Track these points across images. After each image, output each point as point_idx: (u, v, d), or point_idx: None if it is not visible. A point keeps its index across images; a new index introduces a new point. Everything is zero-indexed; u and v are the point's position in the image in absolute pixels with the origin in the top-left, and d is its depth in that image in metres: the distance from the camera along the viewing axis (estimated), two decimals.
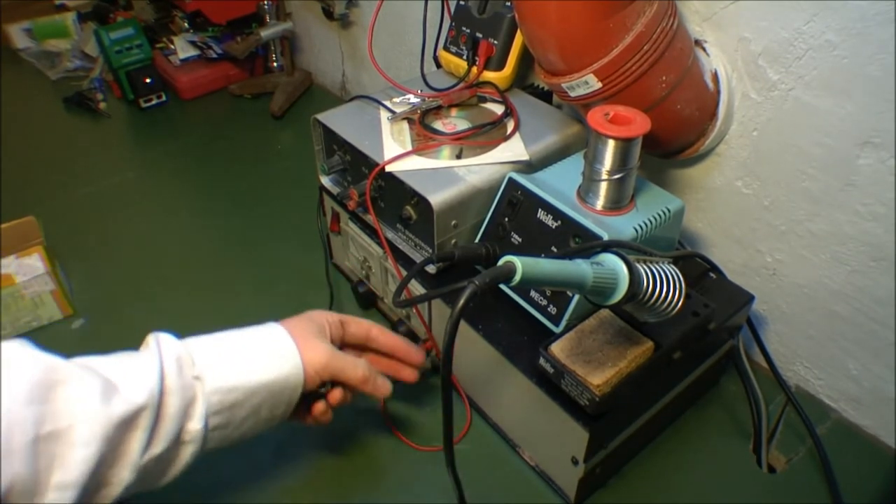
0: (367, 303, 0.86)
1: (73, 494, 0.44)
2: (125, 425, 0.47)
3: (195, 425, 0.51)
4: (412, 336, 0.79)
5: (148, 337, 0.54)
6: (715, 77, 0.70)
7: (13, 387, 0.43)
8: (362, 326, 0.66)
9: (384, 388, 0.64)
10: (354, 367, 0.61)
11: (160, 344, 0.52)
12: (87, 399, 0.45)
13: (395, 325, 0.79)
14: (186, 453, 0.52)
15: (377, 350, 0.67)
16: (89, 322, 0.87)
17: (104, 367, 0.49)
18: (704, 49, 0.71)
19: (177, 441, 0.50)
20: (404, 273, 0.73)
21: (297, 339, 0.58)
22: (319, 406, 0.62)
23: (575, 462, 0.61)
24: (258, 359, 0.55)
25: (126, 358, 0.51)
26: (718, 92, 0.70)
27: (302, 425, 0.64)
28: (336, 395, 0.62)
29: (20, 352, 0.46)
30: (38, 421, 0.43)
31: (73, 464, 0.44)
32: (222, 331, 0.57)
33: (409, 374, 0.68)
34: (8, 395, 0.42)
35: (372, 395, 0.64)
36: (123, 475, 0.47)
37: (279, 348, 0.57)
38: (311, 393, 0.60)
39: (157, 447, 0.49)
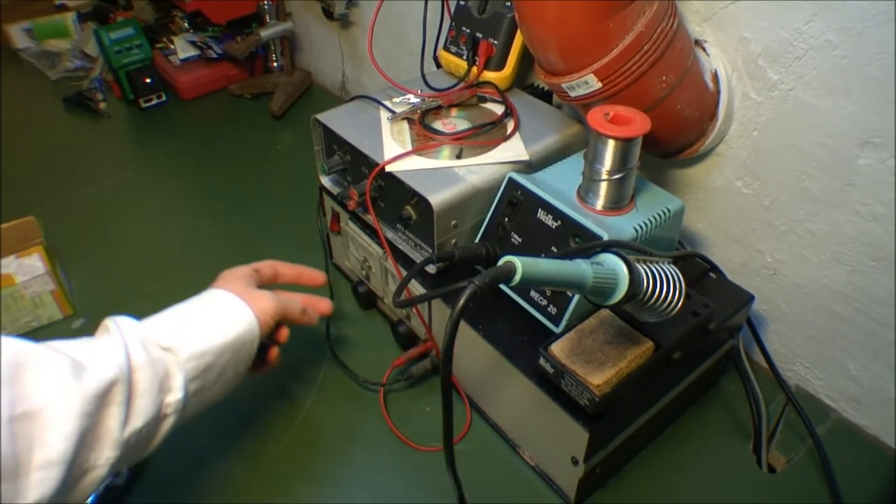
0: (367, 303, 0.86)
1: (59, 472, 0.44)
2: (99, 400, 0.47)
3: (175, 396, 0.53)
4: (412, 336, 0.79)
5: (105, 321, 0.55)
6: (715, 77, 0.70)
7: None
8: (269, 266, 0.70)
9: (325, 309, 0.71)
10: (295, 304, 0.66)
11: (119, 326, 0.53)
12: (57, 378, 0.46)
13: (395, 326, 0.79)
14: (167, 424, 0.53)
15: (285, 285, 0.71)
16: (89, 322, 0.87)
17: (69, 349, 0.49)
18: (704, 49, 0.71)
19: (157, 415, 0.52)
20: (404, 273, 0.73)
21: (241, 295, 0.61)
22: (274, 350, 0.67)
23: (575, 462, 0.61)
24: (217, 321, 0.58)
25: (88, 341, 0.52)
26: (718, 92, 0.70)
27: (261, 375, 0.68)
28: (283, 333, 0.67)
29: None
30: (10, 402, 0.43)
31: (53, 442, 0.44)
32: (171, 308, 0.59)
33: (326, 306, 0.72)
34: None
35: (310, 323, 0.69)
36: (108, 454, 0.48)
37: (231, 309, 0.60)
38: (262, 343, 0.64)
39: (137, 421, 0.50)
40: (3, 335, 0.46)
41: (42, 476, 0.44)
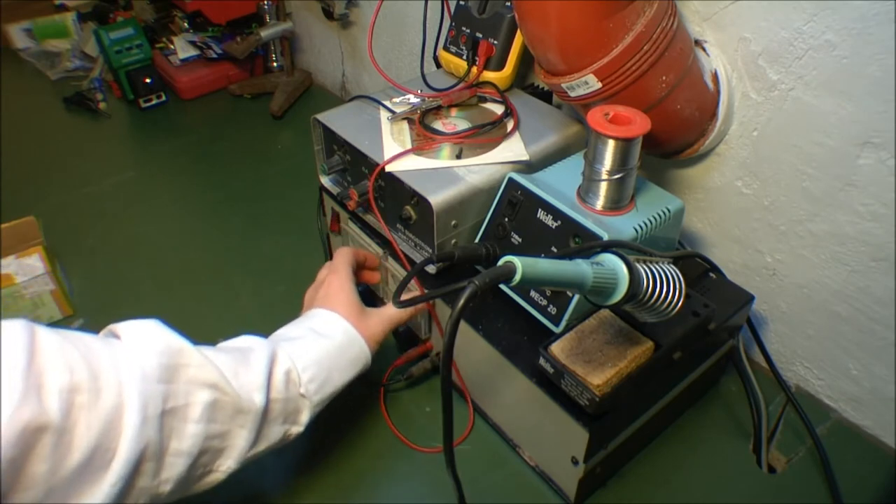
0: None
1: (185, 463, 0.51)
2: (230, 420, 0.54)
3: (299, 429, 0.60)
4: (412, 336, 0.79)
5: (257, 341, 0.60)
6: (715, 77, 0.70)
7: (147, 365, 0.49)
8: (360, 256, 0.75)
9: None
10: (401, 317, 0.70)
11: (274, 357, 0.58)
12: (202, 384, 0.52)
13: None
14: (287, 443, 0.60)
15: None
16: (89, 322, 0.87)
17: (220, 360, 0.54)
18: (704, 49, 0.71)
19: (281, 440, 0.59)
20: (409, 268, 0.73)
21: (357, 325, 0.66)
22: None
23: (575, 462, 0.61)
24: (343, 367, 0.63)
25: (243, 360, 0.56)
26: (718, 92, 0.70)
27: None
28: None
29: (154, 331, 0.52)
30: (165, 397, 0.49)
31: (186, 436, 0.51)
32: (307, 334, 0.64)
33: (378, 277, 0.78)
34: (143, 372, 0.49)
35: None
36: (229, 464, 0.55)
37: (356, 351, 0.65)
38: None
39: (262, 444, 0.57)
40: (165, 330, 0.53)
41: (172, 461, 0.50)
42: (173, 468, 0.50)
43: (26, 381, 0.43)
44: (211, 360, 0.53)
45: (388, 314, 0.69)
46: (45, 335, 0.46)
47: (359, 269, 0.74)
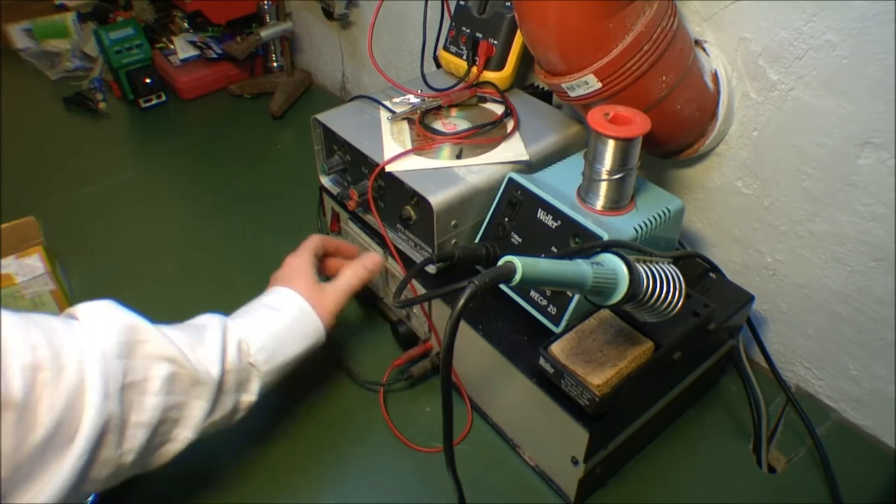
0: (367, 303, 0.86)
1: (145, 434, 0.53)
2: (189, 390, 0.56)
3: (250, 398, 0.62)
4: (412, 336, 0.79)
5: (210, 317, 0.63)
6: (715, 77, 0.70)
7: (106, 342, 0.52)
8: (331, 245, 0.76)
9: (375, 266, 0.74)
10: (352, 284, 0.71)
11: (226, 330, 0.61)
12: (160, 360, 0.54)
13: (395, 325, 0.79)
14: (240, 416, 0.62)
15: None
16: None
17: (179, 337, 0.57)
18: (704, 49, 0.71)
19: (234, 410, 0.61)
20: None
21: (310, 298, 0.67)
22: None
23: (575, 462, 0.61)
24: (294, 339, 0.65)
25: (197, 336, 0.59)
26: (718, 92, 0.70)
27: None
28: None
29: (111, 311, 0.55)
30: (125, 372, 0.52)
31: (146, 408, 0.53)
32: (260, 309, 0.66)
33: (377, 260, 0.75)
34: (103, 349, 0.51)
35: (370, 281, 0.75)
36: (187, 434, 0.57)
37: (307, 323, 0.67)
38: None
39: (217, 414, 0.59)
40: (120, 310, 0.55)
41: (133, 433, 0.52)
42: (134, 439, 0.53)
43: None
44: (167, 336, 0.56)
45: (340, 285, 0.70)
46: (7, 317, 0.48)
47: (325, 257, 0.76)
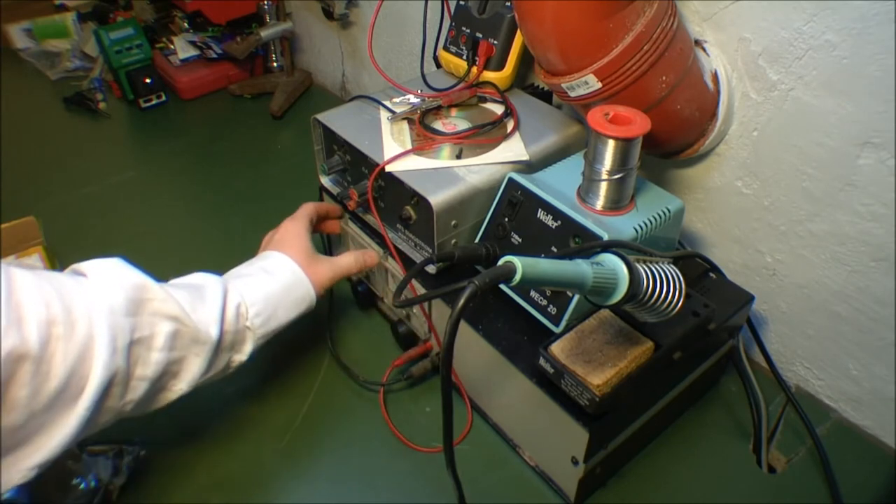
0: (367, 303, 0.86)
1: (147, 386, 0.56)
2: (189, 346, 0.59)
3: (242, 357, 0.65)
4: (412, 336, 0.79)
5: (209, 277, 0.64)
6: (715, 77, 0.70)
7: (114, 299, 0.53)
8: (322, 208, 0.80)
9: (371, 260, 0.77)
10: (349, 266, 0.74)
11: (226, 292, 0.63)
12: (165, 318, 0.57)
13: (395, 326, 0.79)
14: (230, 372, 0.65)
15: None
16: None
17: (182, 296, 0.59)
18: (704, 49, 0.71)
19: (225, 367, 0.64)
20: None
21: (305, 266, 0.70)
22: None
23: (575, 462, 0.61)
24: (288, 304, 0.68)
25: (198, 295, 0.61)
26: (718, 92, 0.70)
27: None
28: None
29: (119, 268, 0.56)
30: (132, 329, 0.54)
31: (150, 363, 0.56)
32: (257, 272, 0.68)
33: (373, 258, 0.78)
34: (111, 306, 0.53)
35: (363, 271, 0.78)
36: (182, 386, 0.60)
37: (301, 291, 0.69)
38: None
39: (212, 371, 0.62)
40: (128, 268, 0.57)
41: (136, 385, 0.55)
42: (137, 391, 0.55)
43: (7, 315, 0.46)
44: (172, 295, 0.58)
45: (338, 262, 0.74)
46: (21, 274, 0.50)
47: (321, 220, 0.80)
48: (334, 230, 0.83)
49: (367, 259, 0.76)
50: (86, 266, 0.56)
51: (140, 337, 0.55)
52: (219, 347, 0.61)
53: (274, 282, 0.67)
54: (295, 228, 0.74)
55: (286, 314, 0.67)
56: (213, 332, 0.60)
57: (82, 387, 0.50)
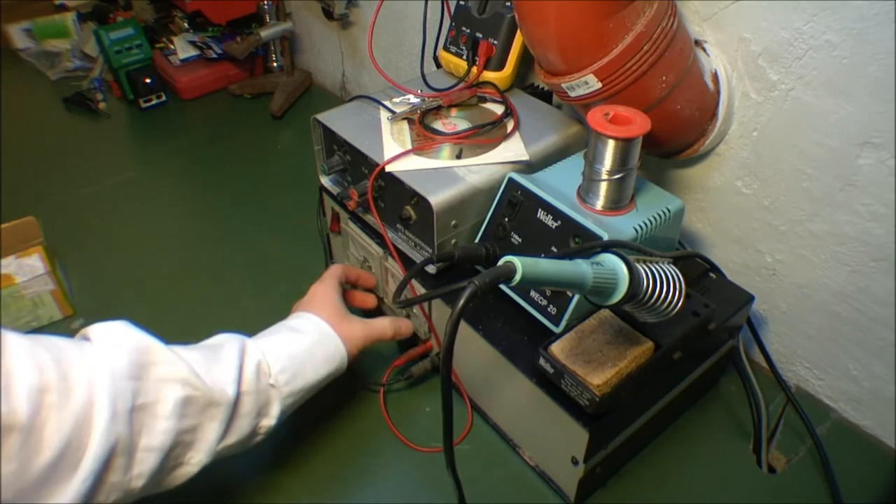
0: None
1: (157, 458, 0.51)
2: (202, 412, 0.54)
3: (270, 422, 0.60)
4: (412, 336, 0.79)
5: (230, 337, 0.61)
6: (715, 77, 0.70)
7: (116, 363, 0.50)
8: (352, 273, 0.77)
9: (406, 330, 0.75)
10: (384, 330, 0.72)
11: (245, 350, 0.60)
12: (172, 383, 0.53)
13: None
14: (258, 440, 0.61)
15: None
16: (89, 322, 0.87)
17: (190, 356, 0.55)
18: (704, 49, 0.71)
19: (251, 434, 0.59)
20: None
21: (336, 326, 0.67)
22: None
23: (575, 462, 0.61)
24: (316, 362, 0.64)
25: (213, 357, 0.57)
26: (718, 92, 0.70)
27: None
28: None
29: (123, 331, 0.53)
30: (135, 394, 0.51)
31: (157, 432, 0.51)
32: (281, 330, 0.66)
33: (408, 328, 0.76)
34: (112, 370, 0.50)
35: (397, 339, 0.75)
36: (200, 457, 0.55)
37: (329, 347, 0.66)
38: None
39: (232, 438, 0.57)
40: (133, 330, 0.53)
41: (143, 457, 0.51)
42: (145, 463, 0.51)
43: None
44: (181, 357, 0.54)
45: (373, 324, 0.70)
46: (13, 338, 0.47)
47: (352, 288, 0.77)
48: (366, 304, 0.79)
49: (402, 327, 0.74)
50: (91, 330, 0.53)
51: (144, 402, 0.51)
52: (237, 409, 0.57)
53: (299, 339, 0.64)
54: (323, 288, 0.71)
55: (315, 372, 0.63)
56: (230, 391, 0.56)
57: (80, 458, 0.47)
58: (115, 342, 0.52)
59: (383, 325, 0.71)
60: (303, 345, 0.64)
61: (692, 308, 0.61)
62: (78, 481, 0.46)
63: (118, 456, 0.49)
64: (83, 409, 0.47)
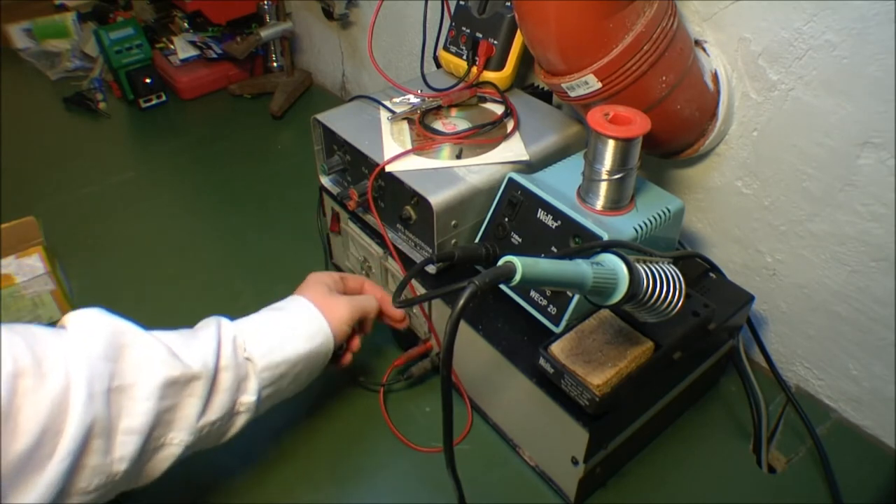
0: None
1: (138, 440, 0.52)
2: (180, 388, 0.54)
3: (249, 398, 0.60)
4: (412, 336, 0.79)
5: (208, 319, 0.62)
6: (715, 77, 0.70)
7: (93, 346, 0.51)
8: (357, 280, 0.74)
9: (397, 313, 0.74)
10: (371, 303, 0.71)
11: (220, 326, 0.60)
12: (150, 363, 0.53)
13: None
14: (241, 420, 0.60)
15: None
16: None
17: (169, 339, 0.56)
18: (704, 49, 0.71)
19: (231, 411, 0.59)
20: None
21: (319, 305, 0.66)
22: (348, 357, 0.72)
23: (575, 462, 0.61)
24: (295, 336, 0.64)
25: (189, 334, 0.59)
26: (718, 92, 0.70)
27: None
28: (356, 343, 0.72)
29: (99, 316, 0.54)
30: (111, 375, 0.51)
31: (137, 414, 0.51)
32: (263, 311, 0.66)
33: (400, 317, 0.75)
34: (88, 353, 0.50)
35: (390, 321, 0.74)
36: (182, 437, 0.55)
37: (310, 322, 0.65)
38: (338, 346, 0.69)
39: (213, 415, 0.57)
40: (107, 315, 0.54)
41: (124, 440, 0.51)
42: (126, 446, 0.51)
43: None
44: (158, 339, 0.55)
45: (355, 300, 0.70)
46: None
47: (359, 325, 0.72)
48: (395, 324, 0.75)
49: (391, 314, 0.73)
50: (67, 317, 0.53)
51: (121, 384, 0.51)
52: (215, 384, 0.57)
53: (278, 314, 0.65)
54: (315, 276, 0.71)
55: (294, 347, 0.63)
56: (208, 363, 0.56)
57: (57, 441, 0.47)
58: (91, 327, 0.52)
59: (368, 304, 0.71)
60: (280, 321, 0.64)
61: (692, 308, 0.61)
62: (56, 462, 0.46)
63: (96, 437, 0.49)
64: (59, 393, 0.47)
